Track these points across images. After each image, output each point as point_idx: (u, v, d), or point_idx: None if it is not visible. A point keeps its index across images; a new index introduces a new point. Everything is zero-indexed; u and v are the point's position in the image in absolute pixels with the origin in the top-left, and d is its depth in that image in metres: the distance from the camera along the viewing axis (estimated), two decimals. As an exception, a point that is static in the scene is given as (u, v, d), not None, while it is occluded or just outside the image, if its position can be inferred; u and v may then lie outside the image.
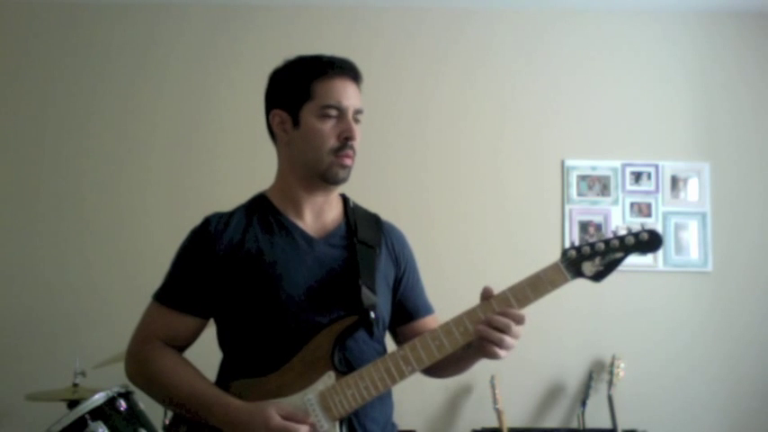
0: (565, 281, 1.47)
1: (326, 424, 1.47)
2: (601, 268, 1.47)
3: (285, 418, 1.44)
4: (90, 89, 3.75)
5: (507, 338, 1.45)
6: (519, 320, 1.46)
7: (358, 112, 1.60)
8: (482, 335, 1.45)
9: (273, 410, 1.43)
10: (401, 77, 3.76)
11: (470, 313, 1.48)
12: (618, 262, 1.47)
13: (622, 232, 1.48)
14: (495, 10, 3.82)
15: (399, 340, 1.71)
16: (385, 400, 1.60)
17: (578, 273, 1.47)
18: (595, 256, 1.46)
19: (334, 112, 1.57)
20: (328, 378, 1.49)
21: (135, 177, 3.70)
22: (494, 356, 1.47)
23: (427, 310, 1.73)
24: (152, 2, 3.80)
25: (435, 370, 1.64)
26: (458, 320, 1.48)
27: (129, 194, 3.68)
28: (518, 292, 1.47)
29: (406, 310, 1.70)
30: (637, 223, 3.68)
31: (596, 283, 1.49)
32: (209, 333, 1.67)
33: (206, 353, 1.70)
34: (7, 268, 3.62)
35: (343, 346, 1.52)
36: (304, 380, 1.49)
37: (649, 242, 1.46)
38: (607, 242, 1.47)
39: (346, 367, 1.51)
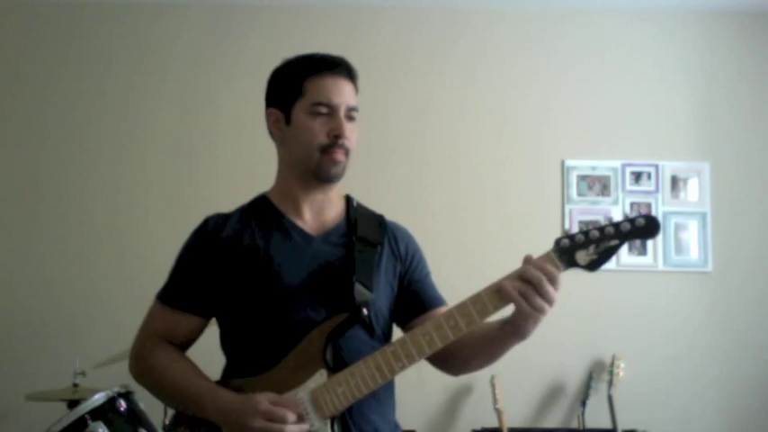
0: (557, 271, 1.41)
1: (317, 422, 1.46)
2: (595, 257, 1.40)
3: (274, 403, 1.44)
4: (90, 89, 3.75)
5: (540, 294, 1.38)
6: (552, 279, 1.39)
7: (351, 109, 1.59)
8: (505, 289, 1.40)
9: (262, 396, 1.44)
10: (401, 77, 3.76)
11: (460, 307, 1.45)
12: (613, 250, 1.40)
13: (618, 218, 1.42)
14: (495, 10, 3.82)
15: None
16: (383, 400, 1.59)
17: (571, 262, 1.41)
18: (589, 245, 1.40)
19: (324, 110, 1.57)
20: (320, 376, 1.48)
21: (135, 177, 3.70)
22: (525, 320, 1.40)
23: (440, 301, 1.70)
24: (152, 2, 3.80)
25: (463, 360, 1.60)
26: (448, 315, 1.46)
27: (129, 194, 3.68)
28: (507, 284, 1.42)
29: (420, 301, 1.67)
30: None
31: (591, 272, 1.42)
32: (211, 334, 1.67)
33: (207, 353, 1.69)
34: (7, 268, 3.62)
35: (338, 344, 1.52)
36: (297, 378, 1.49)
37: (646, 228, 1.38)
38: (602, 229, 1.40)
39: (340, 365, 1.50)
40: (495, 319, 1.50)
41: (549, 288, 1.38)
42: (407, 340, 1.47)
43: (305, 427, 1.45)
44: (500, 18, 3.83)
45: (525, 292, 1.39)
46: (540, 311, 1.39)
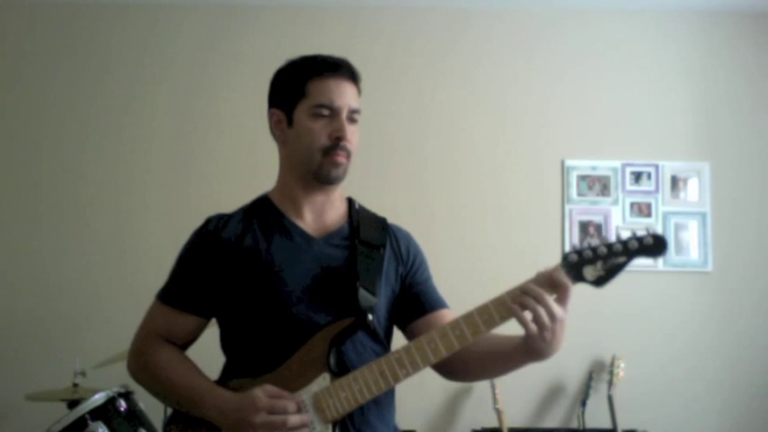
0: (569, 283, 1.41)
1: (319, 426, 1.46)
2: (602, 273, 1.41)
3: (272, 397, 1.44)
4: (90, 89, 3.74)
5: (540, 309, 1.37)
6: (562, 288, 1.39)
7: (353, 111, 1.60)
8: (518, 297, 1.39)
9: (260, 392, 1.44)
10: (401, 77, 3.76)
11: (466, 317, 1.45)
12: (621, 267, 1.41)
13: (625, 236, 1.42)
14: (495, 10, 3.82)
15: (413, 336, 1.64)
16: (384, 404, 1.59)
17: (579, 277, 1.41)
18: (597, 261, 1.41)
19: (326, 112, 1.57)
20: (323, 380, 1.48)
21: (135, 177, 3.70)
22: (534, 340, 1.40)
23: (441, 303, 1.69)
24: (152, 2, 3.80)
25: (471, 372, 1.61)
26: (454, 324, 1.45)
27: (129, 194, 3.68)
28: (514, 295, 1.42)
29: (420, 303, 1.66)
30: (637, 223, 3.67)
31: (598, 288, 1.43)
32: (211, 334, 1.67)
33: (207, 353, 1.70)
34: (7, 268, 3.62)
35: (341, 348, 1.51)
36: (299, 381, 1.48)
37: (654, 246, 1.40)
38: (610, 246, 1.41)
39: (343, 369, 1.50)
40: (514, 335, 1.49)
41: (552, 303, 1.38)
42: (412, 348, 1.47)
43: (306, 417, 1.45)
44: (500, 18, 3.83)
45: (531, 306, 1.38)
46: (543, 329, 1.38)
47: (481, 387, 3.44)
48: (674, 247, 3.68)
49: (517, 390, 3.47)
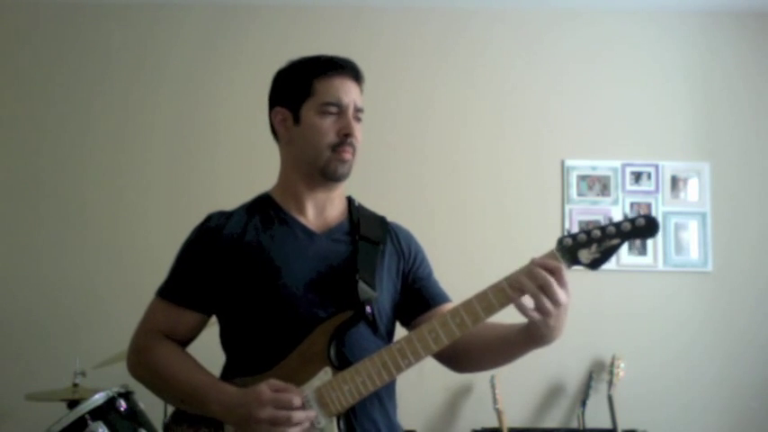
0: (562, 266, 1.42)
1: (323, 420, 1.47)
2: (597, 255, 1.42)
3: (277, 391, 1.44)
4: (89, 89, 3.75)
5: (547, 295, 1.37)
6: (558, 273, 1.38)
7: (358, 110, 1.62)
8: (518, 284, 1.39)
9: (264, 386, 1.44)
10: (401, 77, 3.76)
11: (466, 304, 1.46)
12: (614, 249, 1.42)
13: (619, 218, 1.44)
14: (495, 10, 3.82)
15: None
16: (385, 400, 1.59)
17: (574, 260, 1.43)
18: (591, 243, 1.42)
19: (333, 109, 1.59)
20: (325, 374, 1.48)
21: (135, 177, 3.70)
22: (535, 326, 1.41)
23: (444, 297, 1.70)
24: (152, 2, 3.80)
25: (475, 360, 1.62)
26: (454, 312, 1.46)
27: (128, 194, 3.68)
28: (514, 281, 1.43)
29: (424, 298, 1.68)
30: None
31: (592, 271, 1.44)
32: (212, 333, 1.67)
33: (208, 352, 1.69)
34: (7, 268, 3.62)
35: (342, 342, 1.52)
36: (301, 376, 1.49)
37: (646, 228, 1.41)
38: (603, 229, 1.42)
39: (344, 363, 1.50)
40: (516, 323, 1.50)
41: (557, 289, 1.38)
42: (413, 337, 1.48)
43: (311, 413, 1.45)
44: (500, 18, 3.83)
45: (534, 293, 1.38)
46: (546, 314, 1.39)
47: (481, 387, 3.44)
48: (674, 247, 3.68)
49: (517, 390, 3.48)
